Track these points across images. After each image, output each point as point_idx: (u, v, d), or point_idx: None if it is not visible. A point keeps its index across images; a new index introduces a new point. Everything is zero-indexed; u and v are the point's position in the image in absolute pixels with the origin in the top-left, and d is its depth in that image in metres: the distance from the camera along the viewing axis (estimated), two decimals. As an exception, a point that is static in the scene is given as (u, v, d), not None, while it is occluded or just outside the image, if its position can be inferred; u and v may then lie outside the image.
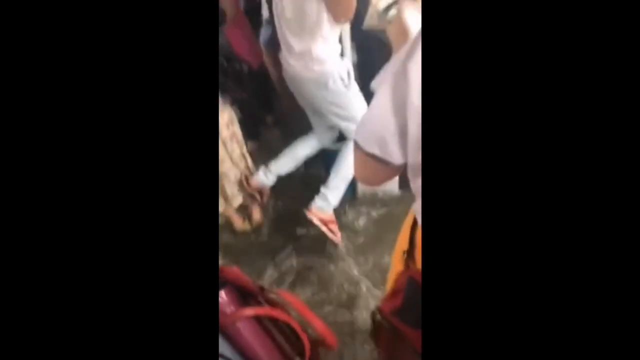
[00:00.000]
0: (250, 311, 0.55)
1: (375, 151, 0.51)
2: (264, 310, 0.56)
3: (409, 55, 0.46)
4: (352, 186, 1.85)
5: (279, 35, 1.33)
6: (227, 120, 1.47)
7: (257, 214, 1.86)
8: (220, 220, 1.82)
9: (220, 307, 0.56)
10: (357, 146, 0.54)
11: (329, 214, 1.57)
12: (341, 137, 1.62)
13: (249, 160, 1.67)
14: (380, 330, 0.56)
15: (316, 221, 1.53)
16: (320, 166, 1.82)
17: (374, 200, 1.86)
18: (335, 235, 1.59)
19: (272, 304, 0.59)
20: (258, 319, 0.56)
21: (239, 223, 1.82)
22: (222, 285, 0.59)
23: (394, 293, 0.56)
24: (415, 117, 0.46)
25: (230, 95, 1.50)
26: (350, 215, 1.78)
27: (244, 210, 1.81)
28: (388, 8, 1.19)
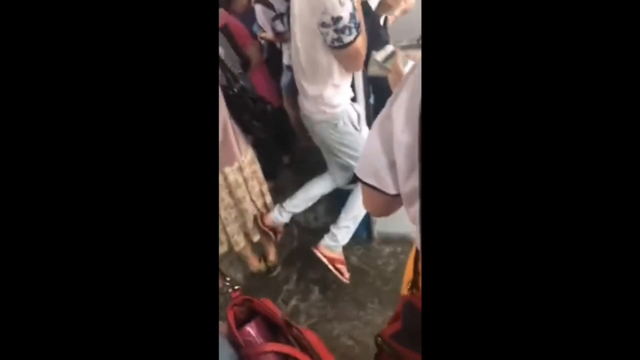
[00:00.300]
0: (271, 346, 0.57)
1: (372, 182, 0.57)
2: (281, 348, 0.58)
3: (394, 99, 0.52)
4: (367, 227, 1.87)
5: (296, 81, 1.43)
6: (250, 159, 1.55)
7: (272, 254, 1.88)
8: (236, 259, 1.85)
9: (249, 337, 0.59)
10: (357, 178, 0.60)
11: (337, 253, 1.58)
12: (355, 178, 1.66)
13: (268, 197, 1.72)
14: (381, 353, 0.57)
15: (324, 259, 1.54)
16: (333, 206, 1.85)
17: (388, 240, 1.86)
18: (343, 275, 1.59)
19: (296, 338, 0.60)
20: (280, 354, 0.58)
21: (254, 264, 1.84)
22: (254, 316, 0.62)
23: (395, 318, 0.58)
24: (401, 152, 0.52)
25: (254, 136, 1.58)
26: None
27: (259, 249, 1.84)
28: (386, 59, 1.29)
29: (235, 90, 1.48)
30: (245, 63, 1.64)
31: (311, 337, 0.58)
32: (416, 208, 0.52)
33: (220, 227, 1.57)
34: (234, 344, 0.58)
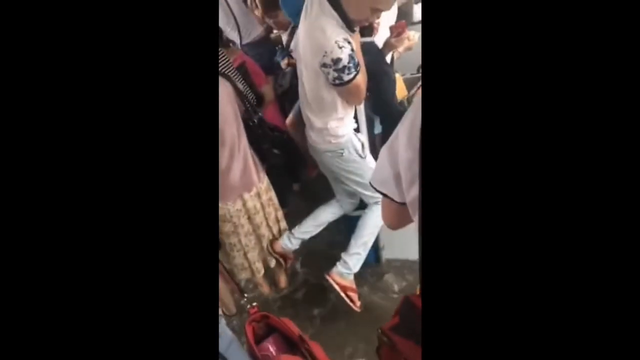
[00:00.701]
0: (285, 358, 0.63)
1: (383, 190, 0.69)
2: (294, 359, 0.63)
3: (402, 121, 0.63)
4: (375, 253, 1.91)
5: (303, 114, 1.53)
6: (266, 186, 1.63)
7: (282, 281, 1.92)
8: (248, 285, 1.89)
9: (267, 352, 0.64)
10: (372, 186, 0.71)
11: (349, 280, 1.62)
12: (362, 205, 1.74)
13: (283, 223, 1.78)
14: (381, 345, 0.64)
15: (336, 287, 1.58)
16: (342, 233, 1.90)
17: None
18: (354, 304, 1.61)
19: (309, 352, 0.66)
20: None
21: (266, 290, 1.88)
22: (272, 332, 0.68)
23: (395, 314, 0.65)
24: (404, 165, 0.63)
25: (269, 163, 1.67)
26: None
27: (270, 276, 1.88)
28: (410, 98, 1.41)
29: (255, 120, 1.58)
30: (260, 100, 1.76)
31: (315, 347, 0.64)
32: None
33: (241, 253, 1.63)
34: (253, 357, 0.63)
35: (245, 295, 0.69)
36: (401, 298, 0.64)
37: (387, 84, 1.60)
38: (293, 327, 0.67)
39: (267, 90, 1.86)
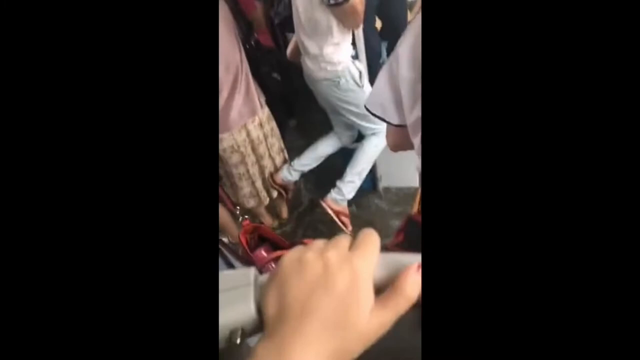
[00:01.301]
0: (275, 254, 0.68)
1: (379, 113, 0.69)
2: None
3: (400, 41, 0.61)
4: (372, 182, 1.96)
5: (297, 40, 1.48)
6: (267, 116, 1.63)
7: (284, 212, 1.99)
8: (253, 218, 1.97)
9: (261, 257, 0.70)
10: (366, 109, 0.71)
11: (342, 206, 1.70)
12: (360, 137, 1.74)
13: (286, 153, 1.82)
14: None
15: (330, 211, 1.66)
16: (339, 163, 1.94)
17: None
18: (346, 227, 1.71)
19: None
20: None
21: (268, 221, 1.96)
22: (263, 241, 0.73)
23: (399, 232, 0.68)
24: (405, 87, 0.61)
25: (269, 93, 1.65)
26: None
27: (272, 207, 1.95)
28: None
29: (253, 43, 1.53)
30: (249, 27, 1.69)
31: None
32: (420, 138, 0.62)
33: (249, 182, 1.68)
34: (248, 263, 0.68)
35: (237, 207, 0.73)
36: (404, 217, 0.68)
37: (398, 6, 1.51)
38: (276, 235, 0.72)
39: (257, 16, 1.77)
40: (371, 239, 0.28)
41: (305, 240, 0.76)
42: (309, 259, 0.27)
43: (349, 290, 0.25)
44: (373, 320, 0.25)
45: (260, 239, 0.74)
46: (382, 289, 0.27)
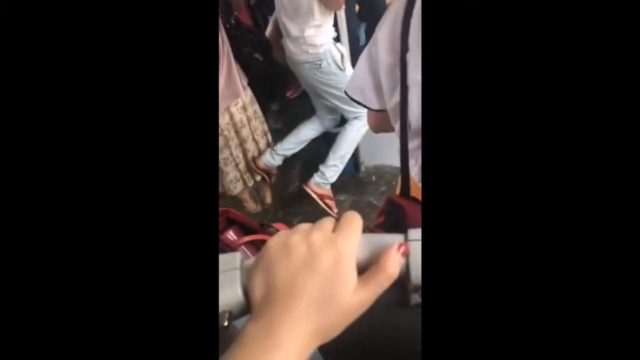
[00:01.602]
0: (248, 238, 0.68)
1: (359, 98, 0.69)
2: (258, 237, 0.69)
3: (379, 26, 0.61)
4: (355, 165, 1.97)
5: (279, 21, 1.45)
6: (250, 99, 1.60)
7: (267, 196, 1.99)
8: (231, 203, 1.96)
9: (230, 240, 0.69)
10: (347, 94, 0.71)
11: (326, 190, 1.71)
12: (343, 121, 1.74)
13: (270, 136, 1.80)
14: None
15: (314, 195, 1.67)
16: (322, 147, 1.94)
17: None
18: (332, 210, 1.72)
19: (270, 235, 0.71)
20: (255, 244, 0.69)
21: (252, 206, 1.96)
22: (231, 224, 0.72)
23: (380, 214, 0.70)
24: (384, 72, 0.61)
25: (251, 75, 1.61)
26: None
27: (256, 192, 1.95)
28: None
29: (233, 22, 1.49)
30: (228, 6, 1.65)
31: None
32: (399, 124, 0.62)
33: (233, 165, 1.67)
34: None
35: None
36: (385, 198, 0.68)
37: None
38: (245, 218, 0.72)
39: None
40: (354, 220, 0.29)
41: (276, 225, 0.76)
42: (295, 242, 0.28)
43: (333, 269, 0.26)
44: (356, 297, 0.26)
45: (229, 221, 0.73)
46: (365, 267, 0.28)
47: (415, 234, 0.29)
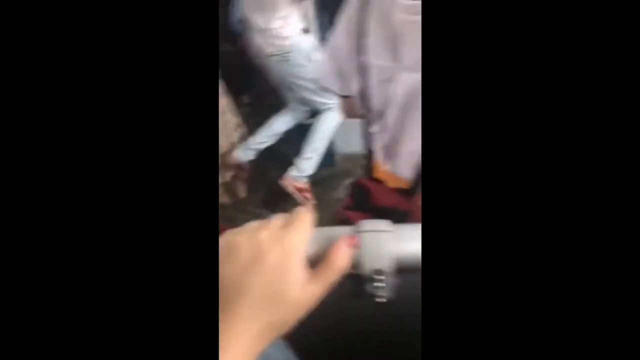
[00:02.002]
0: None
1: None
2: None
3: (340, 13, 0.64)
4: (331, 156, 1.97)
5: (244, 14, 1.42)
6: (223, 91, 1.58)
7: (241, 190, 1.97)
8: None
9: None
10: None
11: (302, 182, 1.71)
12: (315, 113, 1.73)
13: (242, 129, 1.79)
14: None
15: (291, 189, 1.66)
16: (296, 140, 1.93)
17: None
18: (309, 202, 1.73)
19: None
20: None
21: (225, 201, 1.94)
22: None
23: (347, 196, 0.74)
24: (344, 58, 0.65)
25: (221, 62, 1.58)
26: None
27: (229, 186, 1.92)
28: None
29: None
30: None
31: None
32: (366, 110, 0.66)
33: None
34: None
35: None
36: (350, 182, 0.72)
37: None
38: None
39: None
40: (303, 216, 0.29)
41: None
42: (241, 242, 0.28)
43: (280, 266, 0.27)
44: (305, 292, 0.27)
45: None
46: (318, 261, 0.28)
47: (368, 225, 0.30)
